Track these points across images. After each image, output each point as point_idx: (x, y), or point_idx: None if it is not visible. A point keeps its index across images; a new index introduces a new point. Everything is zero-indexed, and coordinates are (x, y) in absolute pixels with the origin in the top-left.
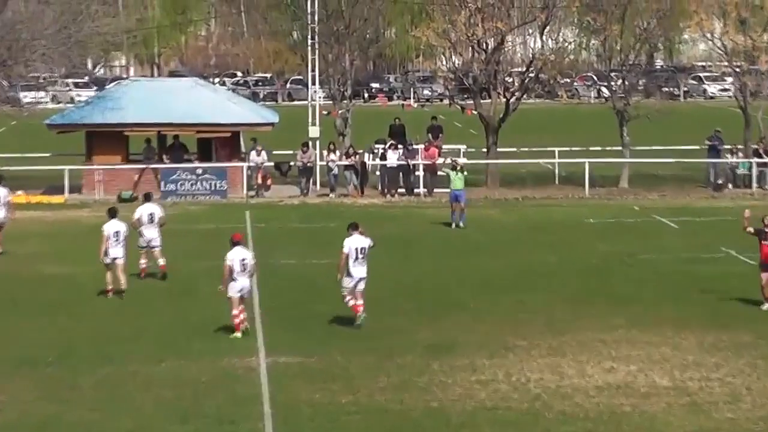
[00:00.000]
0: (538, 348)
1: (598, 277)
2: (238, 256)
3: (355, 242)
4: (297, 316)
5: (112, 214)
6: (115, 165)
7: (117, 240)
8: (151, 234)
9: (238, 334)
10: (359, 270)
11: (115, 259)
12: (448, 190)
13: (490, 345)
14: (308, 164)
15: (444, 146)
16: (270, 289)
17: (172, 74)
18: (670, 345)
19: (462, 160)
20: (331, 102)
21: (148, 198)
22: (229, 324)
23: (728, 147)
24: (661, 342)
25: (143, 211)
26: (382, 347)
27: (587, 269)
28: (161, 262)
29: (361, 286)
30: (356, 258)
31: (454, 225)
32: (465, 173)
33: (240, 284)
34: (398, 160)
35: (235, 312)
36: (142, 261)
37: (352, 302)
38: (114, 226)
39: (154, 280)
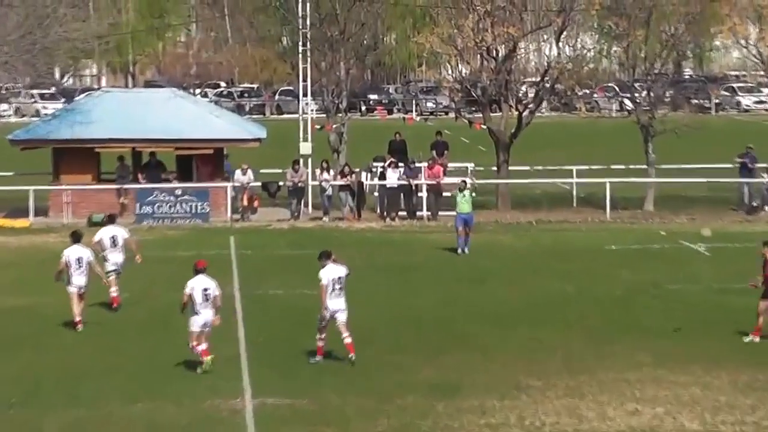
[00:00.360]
0: (554, 388)
1: (621, 309)
2: (200, 285)
3: (331, 272)
4: (287, 353)
5: (76, 238)
6: (85, 185)
7: (80, 267)
8: (116, 258)
9: (208, 359)
10: (336, 302)
11: (80, 287)
12: (454, 213)
13: (500, 385)
14: (299, 184)
15: (450, 164)
16: (257, 323)
17: (149, 84)
18: (701, 385)
19: (470, 181)
20: (324, 115)
21: (111, 220)
22: (204, 360)
23: (764, 165)
24: (691, 381)
25: (104, 234)
26: (380, 387)
27: (609, 301)
28: (114, 292)
29: (342, 318)
30: (333, 289)
31: (460, 251)
32: (474, 194)
33: (203, 318)
34: (399, 179)
35: (193, 344)
36: (113, 289)
37: (321, 343)
38: (76, 252)
39: (127, 310)
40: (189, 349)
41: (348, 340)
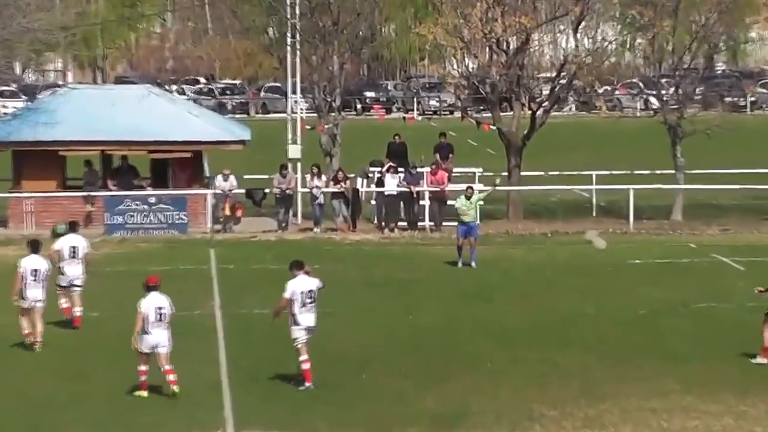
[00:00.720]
0: (571, 418)
1: (645, 330)
2: (154, 304)
3: (301, 285)
4: (273, 378)
5: (34, 248)
6: (49, 193)
7: (36, 279)
8: (74, 272)
9: (144, 393)
10: (308, 317)
11: (35, 302)
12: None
13: (511, 414)
14: (287, 191)
15: (455, 169)
16: (240, 345)
17: (120, 81)
18: (734, 414)
19: (476, 188)
20: (315, 115)
21: (73, 228)
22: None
23: None
24: (723, 411)
25: (64, 243)
26: (378, 417)
27: (632, 321)
28: (77, 312)
29: (309, 336)
30: (303, 304)
31: (460, 264)
32: (482, 201)
33: (155, 338)
34: (398, 186)
35: (142, 368)
36: (62, 301)
37: (307, 365)
38: (33, 263)
39: (94, 330)
40: (138, 373)
41: (306, 366)
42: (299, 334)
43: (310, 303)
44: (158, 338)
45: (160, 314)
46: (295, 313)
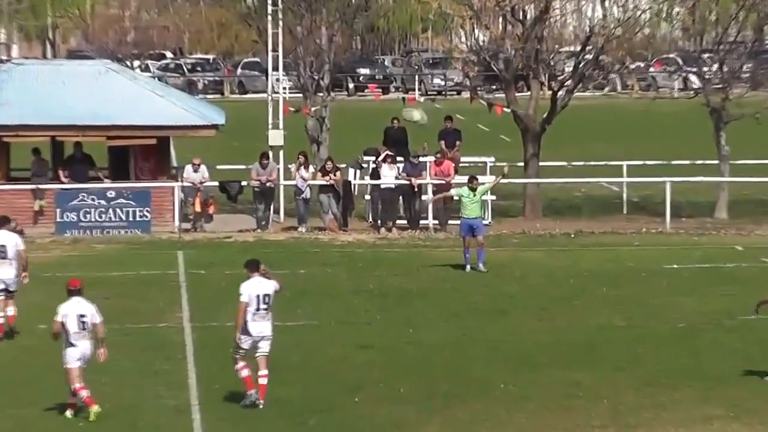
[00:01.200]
0: None
1: (684, 347)
2: (75, 311)
3: (256, 288)
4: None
5: (252, 266)
6: None
7: (260, 309)
8: (5, 274)
9: (94, 409)
10: (260, 326)
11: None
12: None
13: None
14: (268, 184)
15: (463, 159)
16: (212, 364)
17: (73, 55)
18: None
19: (484, 180)
20: (300, 95)
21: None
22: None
23: None
24: None
25: None
26: None
27: (668, 336)
28: (11, 311)
29: (265, 348)
30: (257, 309)
31: (468, 267)
32: (489, 194)
33: (80, 350)
34: (397, 178)
35: (75, 386)
36: (8, 311)
37: (245, 372)
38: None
39: (39, 345)
40: (70, 393)
41: (264, 381)
42: (245, 345)
43: (265, 309)
44: (84, 349)
45: (83, 323)
46: (246, 319)
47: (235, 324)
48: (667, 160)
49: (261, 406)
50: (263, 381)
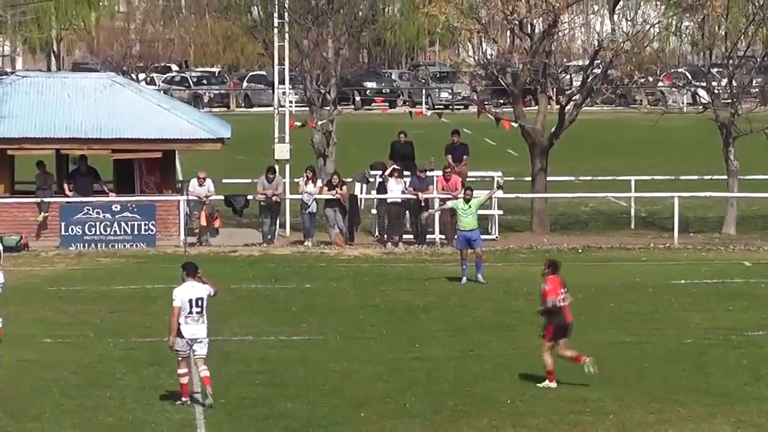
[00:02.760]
0: None
1: (692, 363)
2: None
3: (189, 292)
4: (255, 419)
5: (190, 271)
6: None
7: (192, 313)
8: (194, 331)
9: None
10: (193, 329)
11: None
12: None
13: None
14: (274, 198)
15: (470, 173)
16: (216, 379)
17: (78, 68)
18: None
19: (497, 177)
20: (307, 109)
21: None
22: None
23: None
24: None
25: None
26: None
27: (676, 353)
28: (204, 369)
29: (201, 350)
30: (189, 312)
31: (465, 279)
32: (484, 204)
33: None
34: (404, 192)
35: None
36: None
37: (185, 380)
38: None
39: (43, 359)
40: None
41: (205, 373)
42: (181, 347)
43: (198, 312)
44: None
45: None
46: (180, 323)
47: (169, 328)
48: (675, 175)
49: (210, 403)
50: (205, 374)
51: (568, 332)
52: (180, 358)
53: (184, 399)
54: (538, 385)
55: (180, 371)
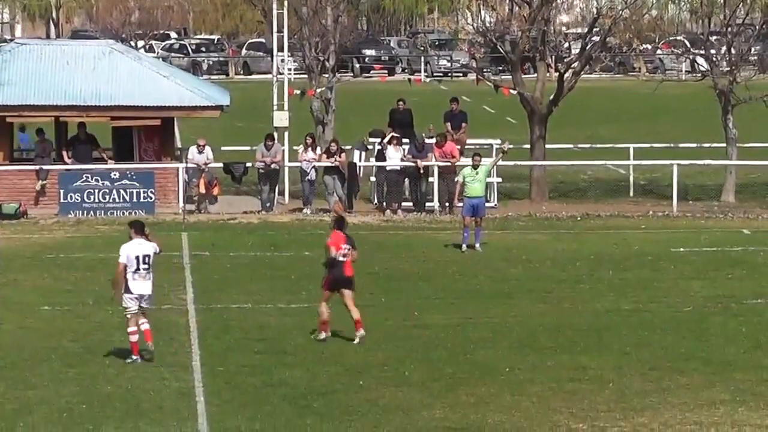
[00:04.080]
0: None
1: (691, 331)
2: None
3: (136, 249)
4: (255, 387)
5: (138, 229)
6: None
7: (140, 269)
8: (142, 288)
9: None
10: (141, 285)
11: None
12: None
13: (533, 428)
14: (272, 166)
15: (469, 141)
16: (216, 347)
17: (77, 35)
18: None
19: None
20: (306, 76)
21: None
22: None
23: None
24: None
25: None
26: (377, 431)
27: (675, 321)
28: (144, 322)
29: (146, 304)
30: (137, 269)
31: (465, 247)
32: (491, 173)
33: None
34: (403, 160)
35: None
36: None
37: (134, 338)
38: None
39: (41, 326)
40: None
41: (146, 327)
42: (130, 304)
43: (146, 269)
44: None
45: None
46: (127, 279)
47: (113, 284)
48: (674, 143)
49: (150, 356)
50: (146, 327)
51: (349, 285)
52: (129, 316)
53: (134, 357)
54: (312, 336)
55: (130, 329)
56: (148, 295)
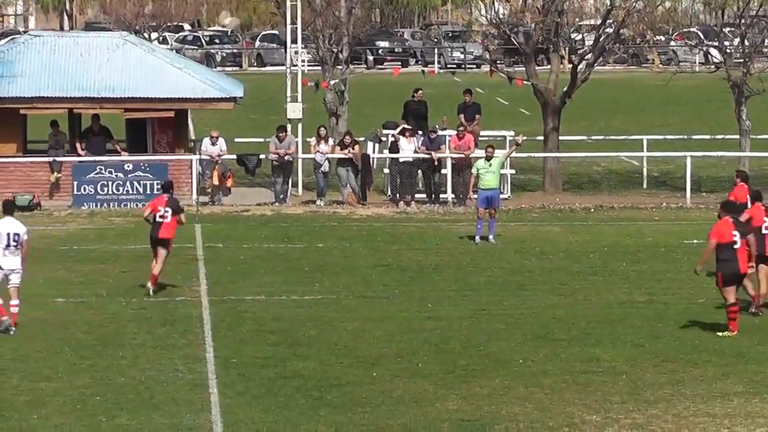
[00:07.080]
0: (616, 424)
1: (704, 323)
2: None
3: (7, 226)
4: (268, 379)
5: (8, 208)
6: (8, 157)
7: (9, 247)
8: (11, 263)
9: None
10: (11, 261)
11: (10, 272)
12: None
13: (546, 420)
14: (286, 158)
15: (483, 132)
16: (229, 339)
17: (91, 27)
18: None
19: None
20: (319, 68)
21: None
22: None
23: None
24: None
25: (1, 228)
26: (395, 423)
27: (688, 312)
28: (15, 305)
29: (15, 280)
30: (7, 245)
31: (478, 238)
32: (504, 164)
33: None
34: (416, 152)
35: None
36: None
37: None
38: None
39: (55, 318)
40: None
41: (15, 310)
42: None
43: (15, 246)
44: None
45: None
46: None
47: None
48: (687, 135)
49: (12, 333)
50: (14, 309)
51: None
52: None
53: (4, 318)
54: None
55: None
56: (17, 270)
